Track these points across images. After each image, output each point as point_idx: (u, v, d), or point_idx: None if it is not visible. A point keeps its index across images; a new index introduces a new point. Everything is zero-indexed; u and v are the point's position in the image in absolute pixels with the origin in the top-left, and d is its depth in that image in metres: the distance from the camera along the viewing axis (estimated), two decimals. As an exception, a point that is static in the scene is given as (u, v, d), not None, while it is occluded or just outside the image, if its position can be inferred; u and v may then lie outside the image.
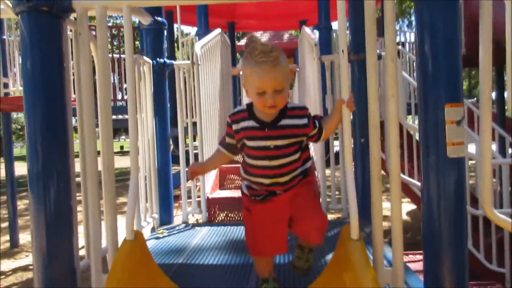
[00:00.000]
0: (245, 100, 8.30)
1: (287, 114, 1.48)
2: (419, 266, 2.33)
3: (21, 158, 9.56)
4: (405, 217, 7.27)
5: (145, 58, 2.59)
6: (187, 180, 1.52)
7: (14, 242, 6.44)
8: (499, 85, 6.98)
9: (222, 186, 3.80)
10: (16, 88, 5.80)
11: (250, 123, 1.48)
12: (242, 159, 1.59)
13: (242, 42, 11.69)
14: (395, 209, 1.43)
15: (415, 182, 3.64)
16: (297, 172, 1.53)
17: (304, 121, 1.49)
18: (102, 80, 1.51)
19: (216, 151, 1.64)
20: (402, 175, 3.81)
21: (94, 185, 1.53)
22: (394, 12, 1.41)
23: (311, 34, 3.28)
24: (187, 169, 3.01)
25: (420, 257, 2.52)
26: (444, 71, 1.38)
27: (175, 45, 8.63)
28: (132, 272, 1.33)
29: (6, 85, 5.70)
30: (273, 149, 1.47)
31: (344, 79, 1.44)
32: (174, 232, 2.65)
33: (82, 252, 1.76)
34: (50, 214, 1.46)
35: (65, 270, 1.50)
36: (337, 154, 3.25)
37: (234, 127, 1.51)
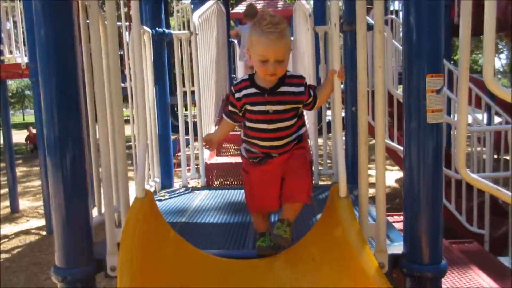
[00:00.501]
0: (239, 67, 8.36)
1: (286, 81, 1.61)
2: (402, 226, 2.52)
3: (14, 126, 9.59)
4: (394, 184, 7.52)
5: (145, 27, 2.67)
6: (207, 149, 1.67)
7: (14, 207, 6.62)
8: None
9: (218, 153, 3.96)
10: (12, 55, 5.81)
11: (252, 90, 1.62)
12: (243, 124, 1.73)
13: (236, 9, 11.58)
14: (379, 170, 1.58)
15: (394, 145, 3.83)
16: (292, 138, 1.67)
17: (301, 89, 1.63)
18: (112, 49, 1.61)
19: (222, 121, 1.80)
20: (391, 142, 4.00)
21: (107, 152, 1.67)
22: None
23: (305, 4, 3.35)
24: (187, 137, 3.16)
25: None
26: (426, 44, 1.50)
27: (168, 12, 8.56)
28: (144, 226, 1.48)
29: (1, 52, 5.70)
30: (271, 113, 1.61)
31: (335, 51, 1.57)
32: (175, 195, 2.81)
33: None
34: (67, 176, 1.59)
35: (81, 226, 1.65)
36: (329, 123, 3.39)
37: (237, 95, 1.65)
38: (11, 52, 5.95)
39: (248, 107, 1.64)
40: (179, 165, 3.19)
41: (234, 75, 9.19)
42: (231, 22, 10.44)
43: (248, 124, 1.68)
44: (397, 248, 1.68)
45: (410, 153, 1.57)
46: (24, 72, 5.65)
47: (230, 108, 1.71)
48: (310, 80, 2.94)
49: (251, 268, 1.62)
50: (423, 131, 1.53)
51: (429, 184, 1.55)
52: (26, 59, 5.43)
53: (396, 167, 7.27)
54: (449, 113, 4.85)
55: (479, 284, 1.88)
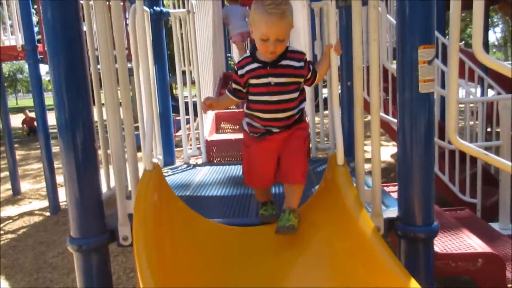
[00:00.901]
0: (235, 50, 8.36)
1: (287, 56, 1.68)
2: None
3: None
4: (389, 159, 7.65)
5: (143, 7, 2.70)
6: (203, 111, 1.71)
7: (16, 190, 6.70)
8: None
9: (218, 130, 4.04)
10: (6, 37, 5.79)
11: (254, 65, 1.69)
12: (246, 99, 1.78)
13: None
14: (374, 140, 1.68)
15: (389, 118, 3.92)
16: (294, 112, 1.73)
17: (301, 63, 1.69)
18: (117, 31, 1.67)
19: (224, 96, 1.84)
20: (387, 116, 4.08)
21: (116, 128, 1.75)
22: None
23: (301, -19, 3.38)
24: (187, 116, 3.23)
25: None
26: (418, 16, 1.57)
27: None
28: (154, 195, 1.58)
29: (-3, 36, 5.69)
30: (273, 85, 1.67)
31: (332, 26, 1.64)
32: (178, 171, 2.90)
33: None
34: (78, 155, 1.68)
35: (93, 200, 1.74)
36: (325, 100, 3.46)
37: (240, 72, 1.72)
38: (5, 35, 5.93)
39: (251, 81, 1.70)
40: (177, 145, 3.27)
41: (229, 54, 9.21)
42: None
43: (251, 97, 1.75)
44: (392, 212, 1.79)
45: (404, 122, 1.66)
46: (20, 54, 5.65)
47: (234, 86, 1.77)
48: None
49: (254, 234, 1.73)
50: (416, 101, 1.62)
51: (422, 150, 1.65)
52: (21, 41, 5.42)
53: (392, 142, 7.39)
54: (443, 86, 4.94)
55: (469, 245, 1.99)
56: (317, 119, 3.24)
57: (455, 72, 1.63)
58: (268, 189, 1.91)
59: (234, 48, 8.45)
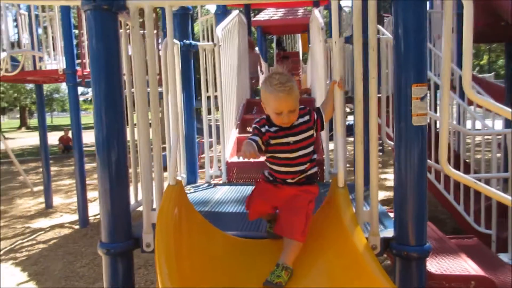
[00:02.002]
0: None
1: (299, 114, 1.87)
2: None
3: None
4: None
5: (174, 40, 3.02)
6: (244, 158, 1.80)
7: (48, 203, 7.10)
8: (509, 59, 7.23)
9: (239, 153, 4.28)
10: (49, 62, 6.27)
11: (272, 128, 1.86)
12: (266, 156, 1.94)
13: (258, 17, 11.93)
14: (373, 167, 1.86)
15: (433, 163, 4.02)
16: (306, 165, 1.90)
17: (307, 117, 1.89)
18: (151, 63, 1.96)
19: (249, 142, 1.83)
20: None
21: (146, 148, 2.01)
22: (375, 11, 1.81)
23: (319, 17, 3.65)
24: (210, 139, 3.47)
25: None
26: (412, 56, 1.77)
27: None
28: (176, 208, 1.81)
29: (40, 59, 6.18)
30: (292, 144, 1.86)
31: (336, 64, 1.87)
32: (199, 189, 3.15)
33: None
34: (112, 171, 1.95)
35: (122, 210, 2.00)
36: (349, 127, 3.65)
37: (263, 129, 1.86)
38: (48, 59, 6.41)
39: (272, 141, 1.86)
40: (202, 167, 3.52)
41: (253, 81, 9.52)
42: (252, 29, 10.79)
43: (271, 154, 1.91)
44: (389, 232, 1.96)
45: (399, 150, 1.85)
46: (60, 77, 6.11)
47: (254, 137, 1.83)
48: (322, 88, 3.23)
49: (262, 246, 1.93)
50: (409, 132, 1.81)
51: (415, 177, 1.81)
52: (62, 65, 5.87)
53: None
54: (459, 121, 5.07)
55: (464, 268, 2.12)
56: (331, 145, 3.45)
57: (446, 103, 1.82)
58: (271, 215, 2.08)
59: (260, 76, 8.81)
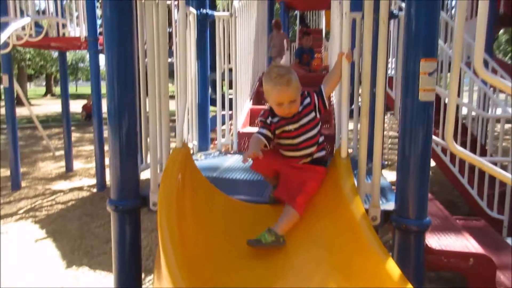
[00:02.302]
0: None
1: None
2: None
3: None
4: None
5: (191, 8, 3.03)
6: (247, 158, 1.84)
7: (69, 167, 7.33)
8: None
9: (252, 124, 4.32)
10: (72, 29, 6.36)
11: (275, 118, 1.98)
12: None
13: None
14: (377, 140, 1.87)
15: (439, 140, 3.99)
16: (313, 148, 2.00)
17: (307, 100, 1.99)
18: (162, 31, 1.99)
19: (256, 139, 1.98)
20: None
21: (155, 112, 2.07)
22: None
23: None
24: (223, 112, 3.51)
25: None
26: (423, 33, 1.76)
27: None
28: (180, 169, 1.87)
29: (64, 26, 6.27)
30: (293, 131, 1.97)
31: (345, 36, 1.86)
32: (210, 157, 3.21)
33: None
34: (122, 137, 2.04)
35: (131, 170, 2.08)
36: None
37: (268, 121, 1.99)
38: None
39: (277, 131, 1.99)
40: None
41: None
42: (276, 5, 10.62)
43: (277, 141, 2.04)
44: (390, 205, 1.98)
45: (405, 124, 1.85)
46: (82, 44, 6.21)
47: (264, 131, 1.98)
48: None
49: (264, 211, 1.98)
50: (416, 107, 1.80)
51: (419, 150, 1.82)
52: (85, 32, 5.95)
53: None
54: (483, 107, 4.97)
55: (465, 246, 2.13)
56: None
57: (456, 81, 1.80)
58: (274, 177, 2.15)
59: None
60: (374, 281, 1.50)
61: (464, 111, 5.17)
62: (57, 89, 41.45)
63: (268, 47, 7.09)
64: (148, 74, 2.10)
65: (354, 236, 1.64)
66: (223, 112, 3.49)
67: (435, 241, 2.19)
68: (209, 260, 1.70)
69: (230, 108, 3.54)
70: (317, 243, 1.77)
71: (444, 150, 4.36)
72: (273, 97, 1.91)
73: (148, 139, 2.22)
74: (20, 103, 11.59)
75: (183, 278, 1.40)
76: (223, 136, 3.46)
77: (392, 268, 1.48)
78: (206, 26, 3.30)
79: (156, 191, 2.04)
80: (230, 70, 3.61)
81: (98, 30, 5.94)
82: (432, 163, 8.07)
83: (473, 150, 4.11)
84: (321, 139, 2.04)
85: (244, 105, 4.23)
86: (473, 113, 4.54)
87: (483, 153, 4.29)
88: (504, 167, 3.74)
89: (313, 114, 1.99)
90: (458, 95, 5.56)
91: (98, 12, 6.23)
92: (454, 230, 2.36)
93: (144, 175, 2.24)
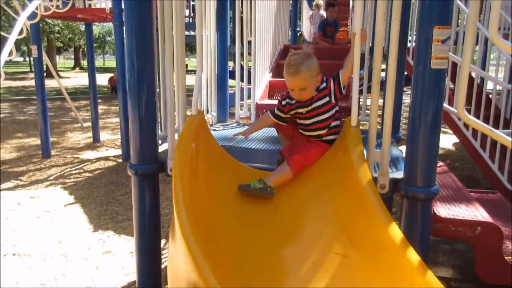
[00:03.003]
0: (305, 24, 8.54)
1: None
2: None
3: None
4: (451, 147, 7.50)
5: (210, -21, 3.05)
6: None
7: (96, 138, 7.58)
8: None
9: (270, 96, 4.36)
10: (98, 1, 6.46)
11: (292, 101, 2.15)
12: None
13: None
14: (387, 109, 1.89)
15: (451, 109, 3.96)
16: (323, 131, 2.11)
17: (323, 85, 2.10)
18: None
19: (264, 117, 2.33)
20: (448, 106, 4.12)
21: (172, 81, 2.14)
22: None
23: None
24: (242, 85, 3.56)
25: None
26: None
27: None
28: (195, 134, 1.94)
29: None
30: (305, 113, 2.12)
31: (357, 16, 1.87)
32: (227, 128, 3.28)
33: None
34: (142, 108, 2.13)
35: (150, 137, 2.18)
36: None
37: (283, 102, 2.19)
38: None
39: (292, 112, 2.17)
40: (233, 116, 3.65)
41: (298, 29, 9.37)
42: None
43: (295, 120, 2.22)
44: (399, 174, 2.01)
45: (416, 92, 1.85)
46: (108, 16, 6.31)
47: (277, 111, 2.23)
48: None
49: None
50: (428, 75, 1.80)
51: (430, 118, 1.82)
52: (110, 4, 6.04)
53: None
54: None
55: (473, 215, 2.15)
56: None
57: (470, 50, 1.79)
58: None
59: (304, 25, 8.67)
60: (377, 243, 1.56)
61: (490, 85, 5.06)
62: (85, 62, 42.22)
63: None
64: (166, 43, 2.16)
65: (360, 201, 1.69)
66: (242, 86, 3.54)
67: (444, 210, 2.22)
68: (221, 224, 1.78)
69: (250, 81, 3.58)
70: (324, 207, 1.83)
71: (466, 125, 4.30)
72: (287, 83, 2.08)
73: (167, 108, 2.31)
74: (49, 75, 11.94)
75: (196, 241, 1.46)
76: (242, 107, 3.53)
77: (395, 232, 1.54)
78: (225, -3, 3.32)
79: (173, 157, 2.13)
80: (249, 42, 3.63)
81: (123, 2, 6.01)
82: (455, 139, 7.97)
83: (496, 123, 4.05)
84: (334, 123, 2.13)
85: (263, 78, 4.26)
86: (499, 88, 4.45)
87: (506, 127, 4.21)
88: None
89: (327, 99, 2.10)
90: (484, 68, 5.44)
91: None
92: (465, 201, 2.38)
93: (163, 146, 2.34)
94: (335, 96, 2.11)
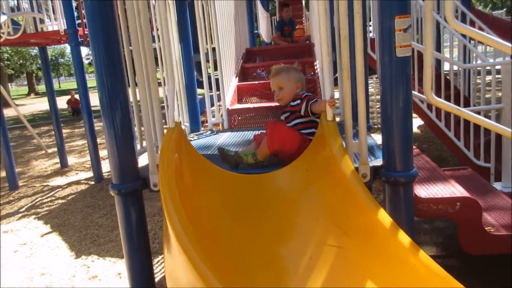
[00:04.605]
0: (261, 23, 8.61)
1: (295, 98, 2.30)
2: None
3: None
4: (416, 130, 7.76)
5: (168, -9, 3.04)
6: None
7: (63, 163, 7.37)
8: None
9: (240, 101, 4.38)
10: (50, 23, 6.29)
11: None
12: None
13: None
14: (360, 99, 1.96)
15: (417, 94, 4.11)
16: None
17: (298, 101, 2.27)
18: (144, 16, 2.03)
19: None
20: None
21: (146, 98, 2.13)
22: None
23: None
24: (211, 93, 3.57)
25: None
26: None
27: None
28: (176, 146, 1.94)
29: (41, 21, 6.20)
30: (284, 119, 2.34)
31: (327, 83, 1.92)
32: (202, 136, 3.28)
33: (136, 144, 2.40)
34: (117, 127, 2.09)
35: (129, 155, 2.14)
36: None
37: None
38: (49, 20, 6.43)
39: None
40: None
41: (256, 31, 9.45)
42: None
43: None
44: (378, 161, 2.09)
45: (385, 81, 1.93)
46: (62, 38, 6.16)
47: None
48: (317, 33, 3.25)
49: (259, 179, 2.07)
50: (394, 64, 1.88)
51: (401, 106, 1.91)
52: (63, 26, 5.90)
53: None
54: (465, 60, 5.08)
55: (452, 192, 2.26)
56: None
57: (430, 34, 1.88)
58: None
59: (261, 26, 8.76)
60: (368, 230, 1.61)
61: (446, 66, 5.28)
62: (40, 87, 40.90)
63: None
64: (135, 60, 2.15)
65: (347, 192, 1.74)
66: (210, 93, 3.55)
67: (424, 190, 2.31)
68: (215, 230, 1.80)
69: (217, 88, 3.60)
70: (314, 202, 1.87)
71: (430, 107, 4.48)
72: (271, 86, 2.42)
73: (142, 126, 2.29)
74: (5, 104, 11.48)
75: (196, 250, 1.44)
76: (213, 115, 3.53)
77: (384, 217, 1.59)
78: (185, 7, 3.32)
79: (155, 172, 2.12)
80: (213, 49, 3.64)
81: (77, 22, 5.89)
82: (421, 121, 8.27)
83: (457, 102, 4.24)
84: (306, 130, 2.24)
85: (230, 83, 4.28)
86: (455, 68, 4.66)
87: (466, 105, 4.41)
88: (487, 117, 3.86)
89: (295, 113, 2.29)
90: (439, 49, 5.68)
91: (74, 4, 6.16)
92: (441, 180, 2.48)
93: (141, 161, 2.32)
94: (303, 112, 2.24)
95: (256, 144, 2.38)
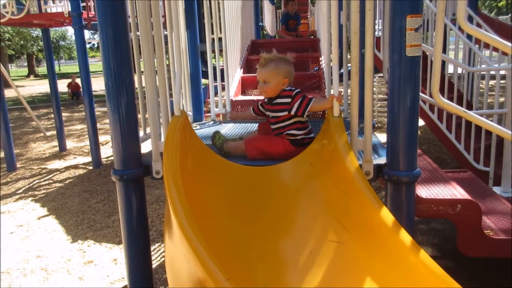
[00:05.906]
0: (266, 17, 8.56)
1: (280, 95, 2.23)
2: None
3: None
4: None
5: (177, -22, 3.02)
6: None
7: (62, 146, 7.35)
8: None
9: (243, 93, 4.37)
10: (54, 5, 6.24)
11: (266, 99, 2.35)
12: None
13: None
14: (367, 98, 1.96)
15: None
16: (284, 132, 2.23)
17: (288, 100, 2.18)
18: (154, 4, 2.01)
19: (247, 110, 2.59)
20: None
21: (152, 84, 2.12)
22: None
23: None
24: (215, 83, 3.56)
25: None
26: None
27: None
28: (181, 134, 1.94)
29: (46, 2, 6.15)
30: (271, 118, 2.29)
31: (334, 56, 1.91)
32: (205, 126, 3.27)
33: (140, 131, 2.39)
34: (122, 113, 2.07)
35: (133, 141, 2.13)
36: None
37: (260, 102, 2.45)
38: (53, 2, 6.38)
39: (263, 108, 2.42)
40: (208, 111, 3.63)
41: (261, 24, 9.41)
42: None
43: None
44: (382, 160, 2.09)
45: (393, 80, 1.92)
46: (66, 20, 6.11)
47: (259, 107, 2.46)
48: (325, 28, 3.23)
49: (263, 171, 2.07)
50: (403, 63, 1.88)
51: (408, 105, 1.90)
52: (68, 7, 5.85)
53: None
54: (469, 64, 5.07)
55: (452, 194, 2.26)
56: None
57: (440, 36, 1.87)
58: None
59: (266, 19, 8.71)
60: (370, 227, 1.61)
61: (450, 69, 5.27)
62: (40, 69, 40.66)
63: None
64: (143, 46, 2.13)
65: (350, 188, 1.74)
66: (215, 84, 3.54)
67: (425, 191, 2.32)
68: (217, 220, 1.80)
69: (222, 79, 3.58)
70: (316, 196, 1.87)
71: (432, 108, 4.48)
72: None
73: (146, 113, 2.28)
74: (5, 85, 11.43)
75: (198, 239, 1.45)
76: (216, 105, 3.52)
77: (386, 215, 1.59)
78: (193, -5, 3.29)
79: (157, 159, 2.11)
80: (219, 39, 3.62)
81: (81, 5, 5.85)
82: (421, 122, 8.31)
83: (459, 105, 4.24)
84: (291, 131, 2.21)
85: (235, 74, 4.27)
86: (460, 71, 4.65)
87: (469, 109, 4.41)
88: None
89: (285, 113, 2.20)
90: (444, 52, 5.67)
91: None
92: (443, 181, 2.49)
93: (144, 148, 2.31)
94: (295, 112, 2.18)
95: (259, 131, 2.41)
